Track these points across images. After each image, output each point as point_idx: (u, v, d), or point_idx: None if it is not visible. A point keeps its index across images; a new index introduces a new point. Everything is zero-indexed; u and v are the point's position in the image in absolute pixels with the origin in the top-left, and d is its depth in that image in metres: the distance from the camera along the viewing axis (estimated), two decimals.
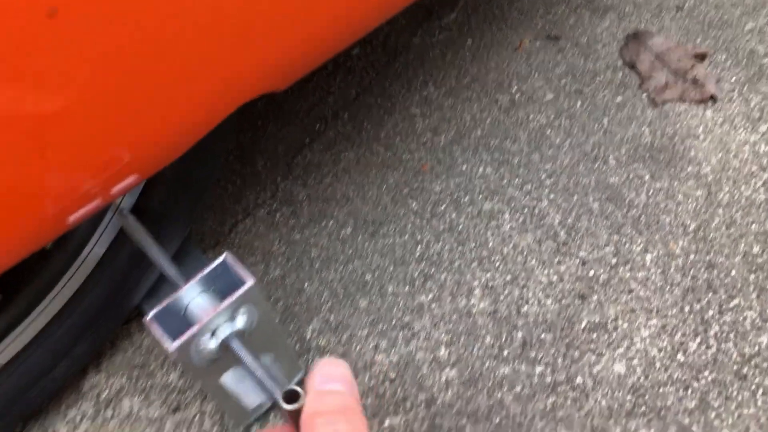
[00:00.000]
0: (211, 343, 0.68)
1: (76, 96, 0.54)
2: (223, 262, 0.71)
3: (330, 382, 0.43)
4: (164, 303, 0.68)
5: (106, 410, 0.86)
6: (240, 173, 1.10)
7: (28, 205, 0.59)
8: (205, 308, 0.69)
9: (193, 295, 0.70)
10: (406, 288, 0.94)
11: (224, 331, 0.68)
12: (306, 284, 0.96)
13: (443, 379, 0.86)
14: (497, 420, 0.82)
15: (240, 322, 0.69)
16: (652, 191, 1.01)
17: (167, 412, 0.86)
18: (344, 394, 0.42)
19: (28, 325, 0.78)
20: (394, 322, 0.91)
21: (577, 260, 0.94)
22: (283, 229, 1.02)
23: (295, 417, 0.44)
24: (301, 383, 0.82)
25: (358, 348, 0.89)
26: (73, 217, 0.64)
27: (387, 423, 0.82)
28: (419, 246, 0.98)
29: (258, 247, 1.01)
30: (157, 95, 0.60)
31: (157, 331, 0.66)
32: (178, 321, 0.69)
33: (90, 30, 0.51)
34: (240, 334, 0.69)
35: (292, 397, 0.44)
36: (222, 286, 0.71)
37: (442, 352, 0.88)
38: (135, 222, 0.77)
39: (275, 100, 1.20)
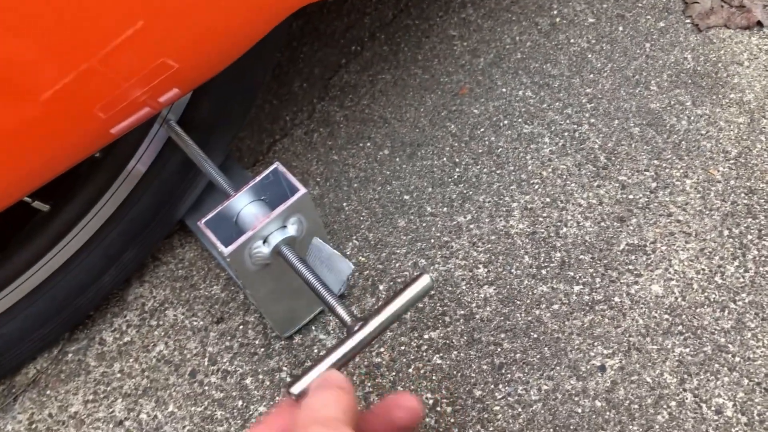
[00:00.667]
0: (264, 249, 0.69)
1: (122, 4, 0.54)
2: (275, 171, 0.71)
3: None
4: (218, 209, 0.69)
5: (151, 319, 0.89)
6: (277, 93, 1.10)
7: (79, 110, 0.60)
8: (257, 216, 0.70)
9: (244, 203, 0.71)
10: (445, 209, 0.95)
11: (276, 238, 0.69)
12: (345, 204, 0.97)
13: (482, 296, 0.87)
14: (535, 335, 0.83)
15: (291, 230, 0.70)
16: (693, 117, 1.00)
17: (211, 322, 0.88)
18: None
19: (79, 231, 0.79)
20: (432, 241, 0.92)
21: (617, 184, 0.94)
22: (321, 150, 1.03)
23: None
24: (341, 297, 0.84)
25: (397, 265, 0.90)
26: (124, 125, 0.64)
27: (426, 336, 0.84)
28: (458, 168, 0.98)
29: (296, 166, 1.01)
30: (211, 5, 0.60)
31: (211, 235, 0.67)
32: (229, 228, 0.70)
33: None
34: (291, 241, 0.70)
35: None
36: (272, 196, 0.72)
37: (481, 270, 0.89)
38: (182, 132, 0.77)
39: (311, 21, 1.18)
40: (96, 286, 0.84)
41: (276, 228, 0.69)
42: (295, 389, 0.62)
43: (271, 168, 0.72)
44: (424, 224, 0.94)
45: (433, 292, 0.87)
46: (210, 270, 0.92)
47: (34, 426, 0.82)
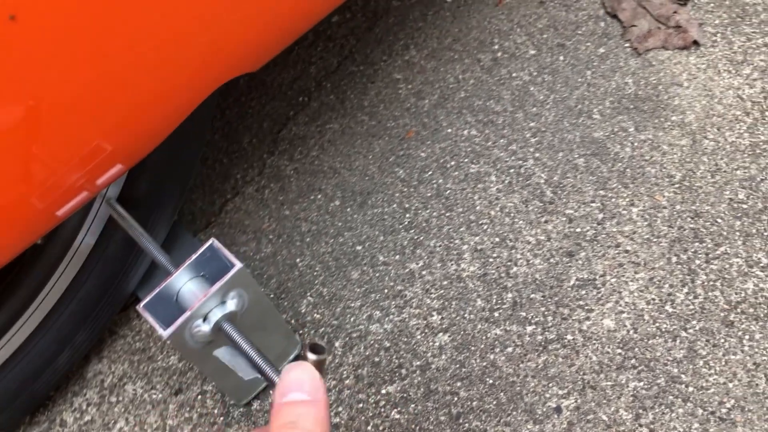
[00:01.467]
0: (204, 327, 0.69)
1: (57, 93, 0.55)
2: (211, 247, 0.72)
3: (291, 392, 0.44)
4: (155, 291, 0.70)
5: (110, 396, 0.89)
6: (227, 151, 1.11)
7: (17, 202, 0.60)
8: (196, 293, 0.70)
9: (183, 281, 0.71)
10: (397, 257, 0.95)
11: (216, 315, 0.69)
12: (298, 259, 0.97)
13: (437, 344, 0.87)
14: (490, 381, 0.84)
15: (231, 305, 0.70)
16: (636, 143, 1.01)
17: (170, 394, 0.88)
18: (305, 403, 0.44)
19: (28, 317, 0.80)
20: (386, 291, 0.92)
21: (564, 218, 0.95)
22: (273, 206, 1.03)
23: (319, 367, 0.47)
24: (297, 357, 0.84)
25: (351, 319, 0.91)
26: (62, 211, 0.65)
27: (384, 391, 0.85)
28: (408, 214, 0.99)
29: (249, 225, 1.02)
30: (133, 86, 0.61)
31: (150, 318, 0.68)
32: (170, 307, 0.71)
33: (62, 29, 0.52)
34: (232, 317, 0.70)
35: (315, 349, 0.48)
36: (212, 270, 0.73)
37: (435, 317, 0.89)
38: (122, 211, 0.78)
39: (258, 76, 1.19)
40: (51, 370, 0.84)
41: (215, 304, 0.70)
42: None
43: (207, 244, 0.72)
44: (377, 274, 0.94)
45: (388, 344, 0.88)
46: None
47: None
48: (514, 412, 0.81)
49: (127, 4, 0.55)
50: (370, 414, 0.83)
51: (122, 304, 0.89)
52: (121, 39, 0.57)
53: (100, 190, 0.66)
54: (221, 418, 0.85)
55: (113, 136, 0.64)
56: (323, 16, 0.80)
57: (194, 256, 0.71)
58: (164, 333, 0.67)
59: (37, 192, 0.61)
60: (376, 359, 0.87)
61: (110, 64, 0.57)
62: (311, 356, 0.47)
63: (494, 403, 0.82)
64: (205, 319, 0.69)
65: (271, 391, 0.84)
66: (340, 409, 0.84)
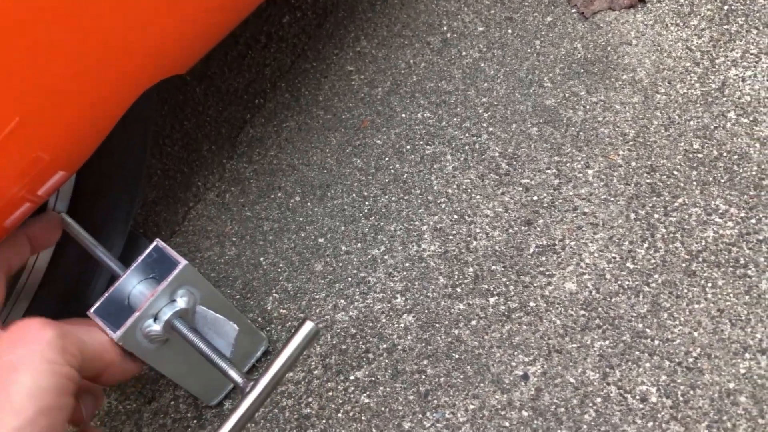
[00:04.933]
0: (155, 326, 0.70)
1: None
2: (156, 248, 0.72)
3: None
4: (105, 295, 0.70)
5: None
6: (186, 161, 1.11)
7: None
8: (146, 294, 0.71)
9: (133, 284, 0.72)
10: (359, 245, 0.95)
11: (166, 313, 0.70)
12: (262, 258, 0.98)
13: (402, 325, 0.87)
14: (456, 356, 0.83)
15: (181, 302, 0.71)
16: (588, 106, 1.00)
17: (143, 403, 0.88)
18: None
19: None
20: (350, 279, 0.92)
21: (521, 188, 0.95)
22: (234, 209, 1.04)
23: None
24: (265, 354, 0.85)
25: (318, 311, 0.91)
26: (9, 222, 0.66)
27: (352, 377, 0.85)
28: (367, 202, 0.99)
29: (212, 230, 1.02)
30: (63, 93, 0.62)
31: (100, 322, 0.68)
32: (123, 310, 0.71)
33: None
34: (183, 314, 0.71)
35: None
36: (161, 271, 0.73)
37: (398, 300, 0.89)
38: (70, 220, 0.78)
39: (213, 82, 1.20)
40: None
41: (165, 303, 0.70)
42: None
43: (152, 246, 0.73)
44: (340, 264, 0.94)
45: (354, 331, 0.88)
46: None
47: None
48: (482, 384, 0.81)
49: (53, 13, 0.56)
50: (340, 401, 0.83)
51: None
52: (48, 48, 0.58)
53: (44, 200, 0.67)
54: (194, 421, 0.85)
55: (47, 144, 0.65)
56: (247, 14, 0.80)
57: (140, 258, 0.72)
58: (115, 335, 0.67)
59: None
60: (343, 347, 0.87)
61: (39, 74, 0.58)
62: None
63: (461, 377, 0.82)
64: (156, 318, 0.70)
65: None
66: (310, 399, 0.84)
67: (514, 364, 0.81)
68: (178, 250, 0.99)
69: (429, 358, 0.84)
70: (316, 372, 0.86)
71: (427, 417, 0.80)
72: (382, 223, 0.96)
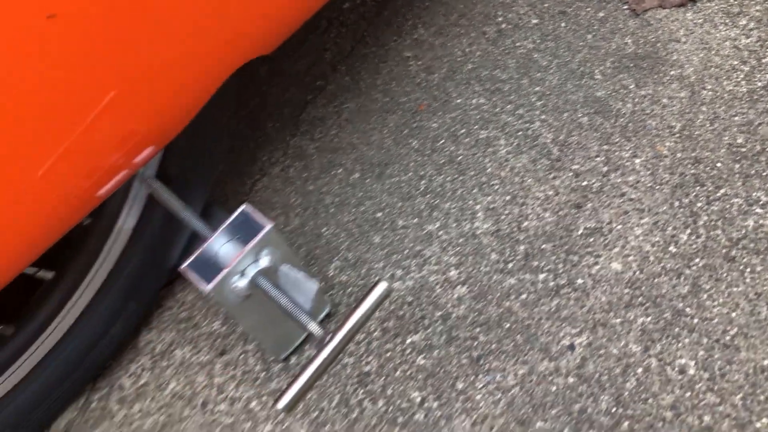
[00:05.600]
0: (241, 282, 0.77)
1: (97, 85, 0.63)
2: (243, 212, 0.80)
3: None
4: (196, 253, 0.77)
5: (161, 361, 0.97)
6: (252, 137, 1.18)
7: (62, 185, 0.69)
8: (233, 253, 0.78)
9: (221, 244, 0.79)
10: (415, 220, 1.02)
11: (251, 271, 0.77)
12: (324, 229, 1.05)
13: (455, 296, 0.94)
14: (507, 325, 0.90)
15: (264, 261, 0.78)
16: (637, 99, 1.06)
17: (215, 355, 0.96)
18: None
19: (81, 294, 0.88)
20: (406, 252, 0.99)
21: (571, 173, 1.01)
22: (298, 182, 1.11)
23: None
24: (328, 315, 0.92)
25: (376, 279, 0.98)
26: (103, 191, 0.73)
27: (408, 340, 0.91)
28: (423, 180, 1.06)
29: (277, 201, 1.10)
30: (162, 75, 0.69)
31: (193, 276, 0.76)
32: (211, 268, 0.79)
33: (96, 26, 0.60)
34: (266, 272, 0.78)
35: None
36: (246, 233, 0.80)
37: (452, 273, 0.96)
38: (160, 185, 0.86)
39: (277, 64, 1.27)
40: (106, 341, 0.93)
41: (250, 262, 0.77)
42: (281, 404, 0.70)
43: (240, 209, 0.80)
44: (397, 237, 1.01)
45: (411, 299, 0.95)
46: (209, 308, 1.00)
47: None
48: (531, 352, 0.87)
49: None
50: (398, 361, 0.90)
51: (167, 278, 0.98)
52: (147, 27, 0.64)
53: (138, 168, 0.74)
54: (263, 374, 0.93)
55: (146, 119, 0.72)
56: None
57: (229, 220, 0.79)
58: (207, 288, 0.75)
59: (81, 173, 0.70)
60: (401, 313, 0.94)
61: (137, 52, 0.65)
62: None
63: (512, 345, 0.88)
64: (242, 274, 0.77)
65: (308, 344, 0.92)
66: (369, 358, 0.91)
67: (561, 335, 0.88)
68: None
69: (481, 326, 0.91)
70: (375, 334, 0.93)
71: (479, 379, 0.87)
72: (437, 201, 1.03)
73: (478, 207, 1.01)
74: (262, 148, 1.17)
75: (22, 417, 0.89)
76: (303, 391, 0.71)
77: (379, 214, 1.04)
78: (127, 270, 0.92)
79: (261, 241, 0.77)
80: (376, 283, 0.75)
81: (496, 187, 1.02)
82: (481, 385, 0.86)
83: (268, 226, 0.77)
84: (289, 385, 0.72)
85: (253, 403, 0.91)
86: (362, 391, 0.89)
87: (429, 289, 0.95)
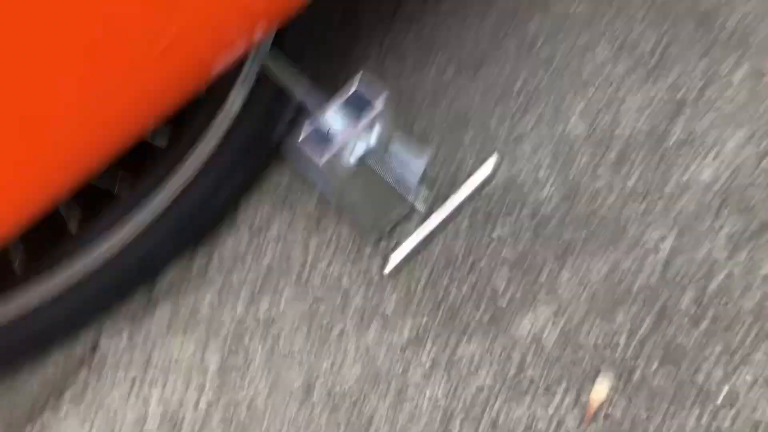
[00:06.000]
0: (352, 157, 0.81)
1: None
2: (357, 87, 0.83)
3: None
4: (311, 127, 0.81)
5: (259, 234, 1.03)
6: (348, 31, 1.20)
7: (190, 56, 0.73)
8: (345, 128, 0.82)
9: (332, 118, 0.83)
10: (507, 121, 1.04)
11: (361, 147, 0.81)
12: (415, 125, 1.08)
13: (544, 194, 0.97)
14: (593, 225, 0.93)
15: (374, 137, 0.82)
16: (741, 14, 1.04)
17: (310, 233, 1.02)
18: None
19: (192, 160, 0.94)
20: (497, 149, 1.02)
21: (667, 83, 1.01)
22: (391, 77, 1.13)
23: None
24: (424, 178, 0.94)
25: (467, 173, 1.01)
26: (217, 66, 0.77)
27: (496, 232, 0.96)
28: (518, 82, 1.07)
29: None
30: None
31: (306, 150, 0.80)
32: (323, 142, 0.83)
33: None
34: (374, 148, 0.82)
35: None
36: (357, 110, 0.83)
37: (542, 173, 0.99)
38: (274, 62, 0.89)
39: None
40: (210, 210, 0.99)
41: (361, 137, 0.81)
42: (387, 269, 0.76)
43: (354, 85, 0.83)
44: (489, 136, 1.04)
45: (500, 193, 0.98)
46: (304, 188, 1.05)
47: (172, 327, 0.99)
48: (615, 251, 0.91)
49: None
50: (485, 251, 0.95)
51: (270, 152, 1.03)
52: None
53: (256, 43, 0.78)
54: (355, 253, 0.98)
55: None
56: None
57: (343, 95, 0.82)
58: (320, 160, 0.79)
59: (206, 44, 0.73)
60: (489, 206, 0.98)
61: None
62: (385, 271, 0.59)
63: (597, 243, 0.92)
64: (352, 149, 0.81)
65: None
66: (458, 244, 0.96)
67: (646, 237, 0.91)
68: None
69: (568, 224, 0.94)
70: (463, 224, 0.97)
71: (563, 272, 0.91)
72: (530, 103, 1.05)
73: (571, 111, 1.03)
74: (358, 43, 1.19)
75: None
76: (406, 259, 0.77)
77: (471, 113, 1.06)
78: (237, 141, 0.96)
79: (373, 118, 0.80)
80: (487, 159, 0.78)
81: (592, 92, 1.03)
82: (566, 279, 0.91)
83: (383, 101, 0.80)
84: (394, 251, 0.77)
85: (345, 279, 0.97)
86: (448, 274, 0.94)
87: (518, 186, 0.99)
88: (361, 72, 0.82)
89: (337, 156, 0.80)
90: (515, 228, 0.95)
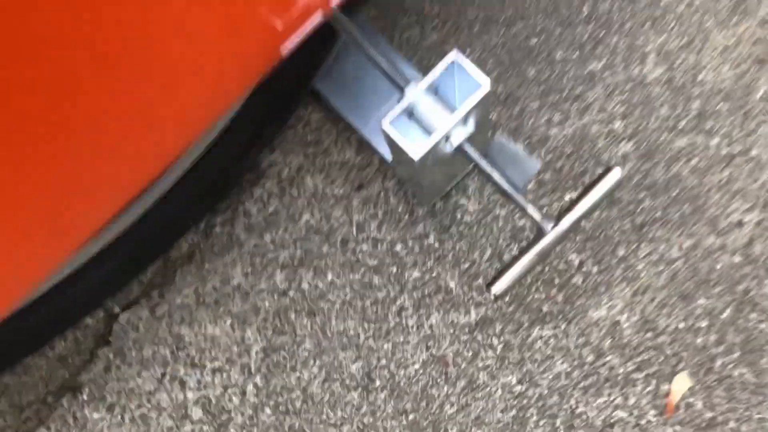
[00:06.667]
0: (446, 147, 0.68)
1: None
2: (453, 62, 0.67)
3: None
4: (399, 108, 0.66)
5: (290, 188, 0.89)
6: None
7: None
8: (437, 113, 0.67)
9: (418, 96, 0.68)
10: (575, 54, 0.91)
11: (458, 136, 0.68)
12: (467, 50, 0.92)
13: (620, 152, 0.87)
14: (674, 193, 0.86)
15: (471, 125, 0.68)
16: None
17: (352, 189, 0.89)
18: None
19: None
20: (565, 92, 0.90)
21: (757, 20, 0.89)
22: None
23: None
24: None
25: (530, 122, 0.89)
26: (297, 35, 0.60)
27: (567, 197, 0.87)
28: (586, 4, 0.92)
29: (409, 7, 0.94)
30: None
31: (399, 139, 0.66)
32: (405, 122, 0.68)
33: None
34: (471, 138, 0.69)
35: None
36: (445, 87, 0.69)
37: (617, 125, 0.88)
38: (350, 23, 0.71)
39: None
40: (240, 161, 0.84)
41: (457, 125, 0.67)
42: (496, 289, 0.67)
43: (449, 59, 0.67)
44: (555, 73, 0.90)
45: (570, 150, 0.88)
46: (340, 133, 0.90)
47: (201, 299, 0.87)
48: (697, 224, 0.85)
49: None
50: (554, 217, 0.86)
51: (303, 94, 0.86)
52: None
53: (333, 8, 0.61)
54: (406, 216, 0.87)
55: None
56: None
57: (436, 72, 0.67)
58: (415, 155, 0.65)
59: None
60: (558, 165, 0.87)
61: None
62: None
63: (678, 214, 0.85)
64: (447, 138, 0.68)
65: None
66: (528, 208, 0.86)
67: (730, 209, 0.85)
68: (372, 22, 0.92)
69: (647, 190, 0.86)
70: (530, 187, 0.87)
71: (642, 248, 0.85)
72: (602, 34, 0.91)
73: (649, 48, 0.90)
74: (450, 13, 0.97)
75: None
76: (517, 278, 0.68)
77: (533, 41, 0.91)
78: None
79: (475, 104, 0.66)
80: (608, 170, 0.68)
81: (672, 25, 0.90)
82: (643, 255, 0.85)
83: (485, 86, 0.66)
84: (504, 270, 0.67)
85: (398, 247, 0.87)
86: (516, 246, 0.86)
87: (591, 140, 0.88)
88: (455, 52, 0.66)
89: (433, 149, 0.66)
90: None
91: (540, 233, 0.67)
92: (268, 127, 0.85)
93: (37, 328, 0.83)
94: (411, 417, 0.83)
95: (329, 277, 0.87)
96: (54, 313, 0.82)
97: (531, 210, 0.68)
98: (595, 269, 0.85)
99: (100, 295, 0.85)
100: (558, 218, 0.67)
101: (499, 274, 0.68)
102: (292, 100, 0.86)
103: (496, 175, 0.68)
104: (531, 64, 0.91)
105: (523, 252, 0.67)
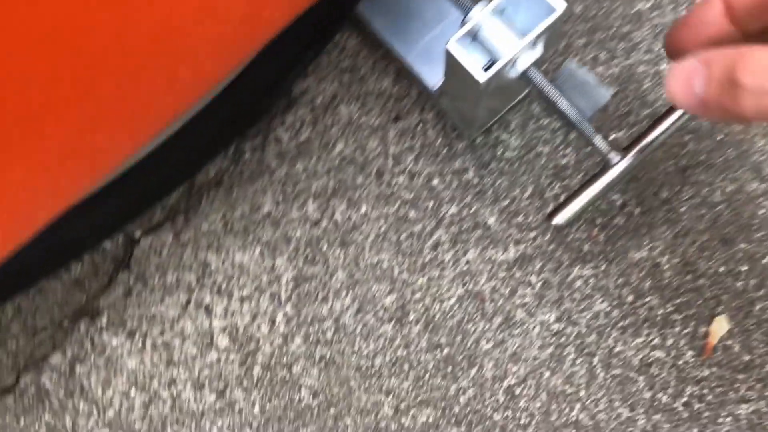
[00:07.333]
0: (511, 72, 0.65)
1: None
2: None
3: None
4: (464, 29, 0.63)
5: (324, 117, 0.86)
6: None
7: None
8: (501, 34, 0.64)
9: (484, 18, 0.64)
10: None
11: (525, 61, 0.65)
12: None
13: (665, 95, 0.85)
14: (719, 137, 0.84)
15: (539, 49, 0.65)
16: None
17: (388, 120, 0.85)
18: None
19: None
20: (612, 31, 0.87)
21: None
22: None
23: None
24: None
25: (576, 59, 0.86)
26: None
27: (612, 137, 0.84)
28: None
29: None
30: None
31: (464, 61, 0.62)
32: (472, 43, 0.65)
33: None
34: (538, 62, 0.66)
35: None
36: (514, 7, 0.65)
37: (665, 66, 0.86)
38: None
39: None
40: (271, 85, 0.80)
41: (525, 49, 0.64)
42: (559, 219, 0.64)
43: None
44: (602, 11, 0.88)
45: (617, 89, 0.86)
46: (377, 61, 0.86)
47: (229, 226, 0.83)
48: (742, 169, 0.83)
49: None
50: (598, 158, 0.84)
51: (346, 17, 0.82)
52: None
53: None
54: (444, 150, 0.84)
55: None
56: None
57: None
58: (482, 78, 0.62)
59: None
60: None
61: None
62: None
63: (722, 159, 0.84)
64: (513, 63, 0.65)
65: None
66: (567, 150, 0.84)
67: None
68: None
69: (692, 133, 0.84)
70: None
71: (685, 191, 0.83)
72: None
73: None
74: None
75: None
76: (580, 211, 0.65)
77: None
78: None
79: (547, 27, 0.63)
80: (673, 108, 0.65)
81: None
82: (686, 197, 0.83)
83: (562, 8, 0.63)
84: (568, 200, 0.65)
85: (435, 181, 0.84)
86: (558, 185, 0.84)
87: (637, 81, 0.86)
88: None
89: (499, 72, 0.63)
90: (633, 132, 0.84)
91: (606, 165, 0.65)
92: (306, 52, 0.81)
93: (53, 250, 0.78)
94: (446, 351, 0.81)
95: (363, 209, 0.83)
96: (73, 236, 0.78)
97: (598, 141, 0.65)
98: (637, 210, 0.83)
99: (121, 219, 0.81)
100: (624, 151, 0.65)
101: (561, 205, 0.65)
102: (333, 25, 0.82)
103: (563, 103, 0.65)
104: (578, 0, 0.88)
105: (587, 184, 0.65)
